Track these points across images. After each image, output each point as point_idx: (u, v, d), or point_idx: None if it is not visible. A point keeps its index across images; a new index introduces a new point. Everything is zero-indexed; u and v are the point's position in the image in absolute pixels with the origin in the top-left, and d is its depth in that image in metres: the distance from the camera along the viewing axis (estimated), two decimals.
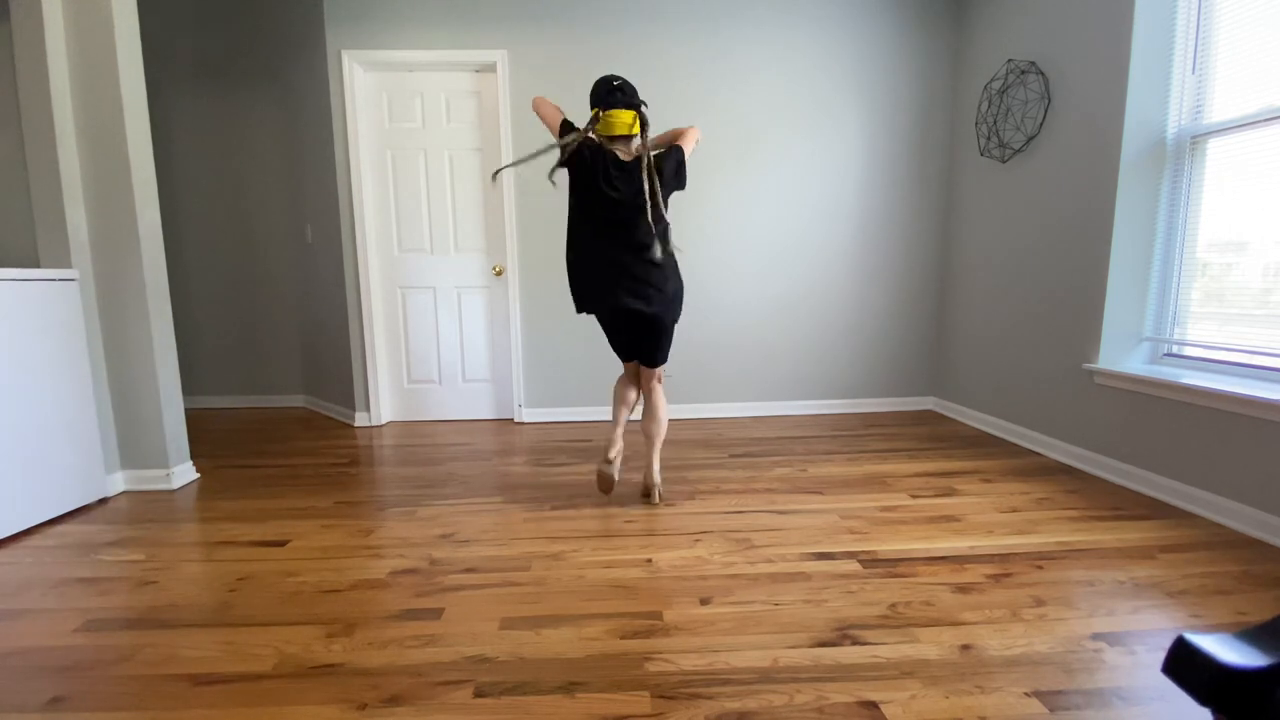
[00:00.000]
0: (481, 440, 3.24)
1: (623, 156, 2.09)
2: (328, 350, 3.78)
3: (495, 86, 3.37)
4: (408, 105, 3.41)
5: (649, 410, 2.35)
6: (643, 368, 2.33)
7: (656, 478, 2.35)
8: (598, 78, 2.13)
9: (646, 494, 2.37)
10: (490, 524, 2.13)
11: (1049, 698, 1.23)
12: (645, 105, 2.12)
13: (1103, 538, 1.95)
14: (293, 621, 1.54)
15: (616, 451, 2.28)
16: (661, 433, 2.36)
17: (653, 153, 2.08)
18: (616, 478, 2.31)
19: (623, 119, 2.07)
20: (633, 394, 2.38)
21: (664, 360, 2.32)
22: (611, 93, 2.07)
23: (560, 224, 3.49)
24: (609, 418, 3.64)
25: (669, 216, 2.09)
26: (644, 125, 2.09)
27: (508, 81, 3.35)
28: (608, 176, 2.05)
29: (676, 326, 2.42)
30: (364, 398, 3.57)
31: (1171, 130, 2.33)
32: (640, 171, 2.04)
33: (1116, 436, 2.46)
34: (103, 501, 2.40)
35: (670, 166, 2.12)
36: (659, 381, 2.36)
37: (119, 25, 2.33)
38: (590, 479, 2.59)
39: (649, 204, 2.01)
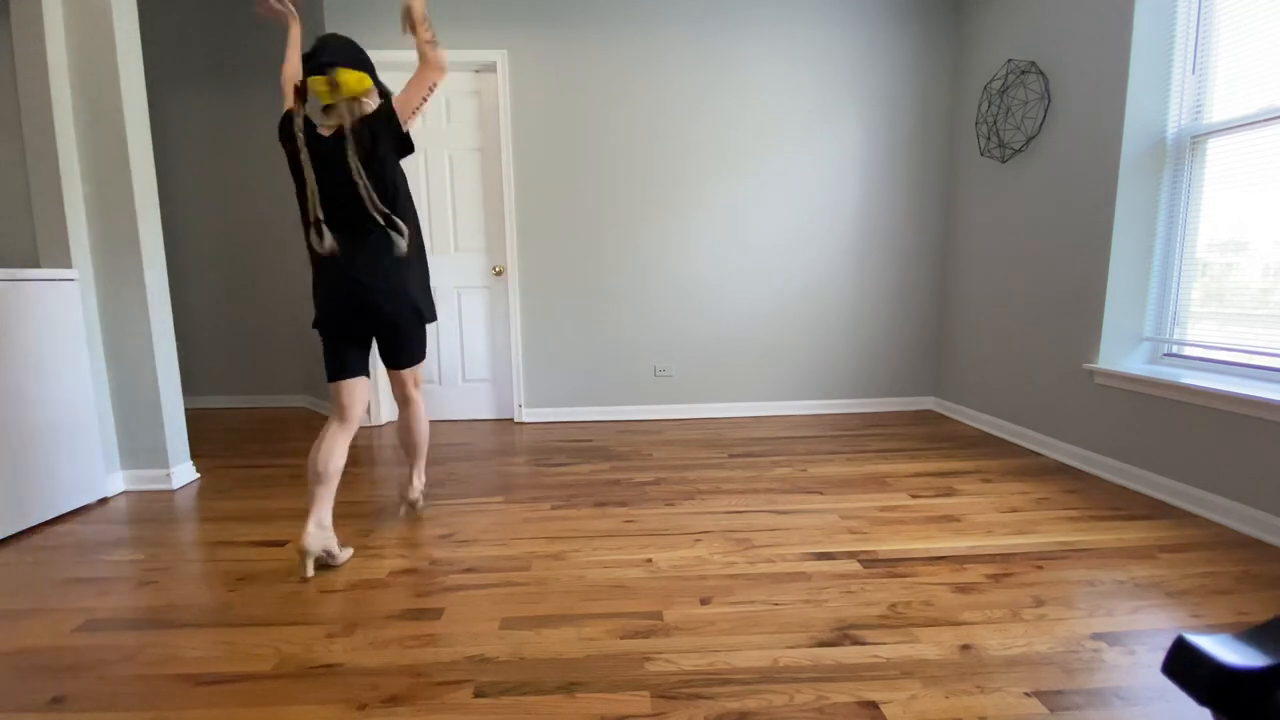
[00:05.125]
0: (481, 440, 3.24)
1: (322, 131, 1.75)
2: None
3: (495, 86, 3.37)
4: None
5: (414, 418, 2.06)
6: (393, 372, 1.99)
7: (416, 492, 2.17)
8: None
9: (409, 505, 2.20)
10: (490, 524, 2.13)
11: (1049, 698, 1.23)
12: (366, 69, 1.76)
13: (1103, 538, 1.95)
14: (293, 621, 1.54)
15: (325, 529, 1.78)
16: (424, 444, 2.10)
17: (359, 120, 1.74)
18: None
19: (316, 86, 1.73)
20: (340, 458, 1.80)
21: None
22: (312, 55, 1.73)
23: (560, 224, 3.50)
24: (603, 418, 3.64)
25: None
26: (334, 87, 1.71)
27: (508, 81, 3.35)
28: (309, 155, 1.75)
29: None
30: None
31: (1171, 130, 2.33)
32: (344, 148, 1.73)
33: (1116, 436, 2.46)
34: (103, 501, 2.40)
35: (370, 131, 1.76)
36: (416, 386, 2.04)
37: (119, 25, 2.33)
38: (589, 478, 2.59)
39: (359, 185, 1.74)
